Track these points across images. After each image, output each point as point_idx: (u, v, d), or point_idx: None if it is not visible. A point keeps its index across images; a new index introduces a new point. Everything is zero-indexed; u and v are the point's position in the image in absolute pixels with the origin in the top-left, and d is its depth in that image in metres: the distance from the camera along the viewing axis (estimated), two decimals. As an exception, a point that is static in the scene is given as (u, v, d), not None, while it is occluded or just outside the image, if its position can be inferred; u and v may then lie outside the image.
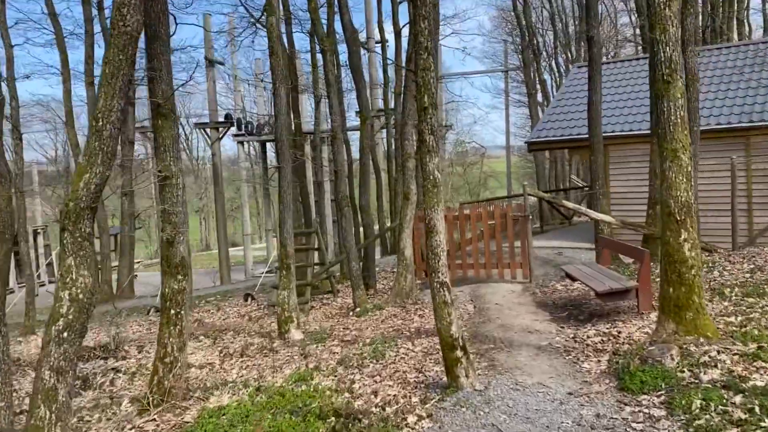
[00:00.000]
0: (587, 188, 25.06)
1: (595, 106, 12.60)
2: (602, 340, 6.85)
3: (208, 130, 29.10)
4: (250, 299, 14.54)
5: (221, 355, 9.17)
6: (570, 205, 12.78)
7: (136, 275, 24.35)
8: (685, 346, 5.44)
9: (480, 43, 65.25)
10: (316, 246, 13.12)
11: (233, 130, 29.17)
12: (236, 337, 10.40)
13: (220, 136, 28.82)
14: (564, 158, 35.24)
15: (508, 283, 11.78)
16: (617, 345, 6.50)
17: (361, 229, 14.53)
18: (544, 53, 42.39)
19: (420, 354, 7.33)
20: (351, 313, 11.54)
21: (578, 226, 20.15)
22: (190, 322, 6.92)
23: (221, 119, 28.80)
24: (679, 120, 5.63)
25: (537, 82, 37.93)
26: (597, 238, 12.08)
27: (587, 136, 14.60)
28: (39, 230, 30.55)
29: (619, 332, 6.99)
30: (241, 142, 30.49)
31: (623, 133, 14.81)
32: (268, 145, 30.39)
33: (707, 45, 19.68)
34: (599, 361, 6.03)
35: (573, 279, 9.48)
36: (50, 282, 28.58)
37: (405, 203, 11.65)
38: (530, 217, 11.98)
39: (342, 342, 8.98)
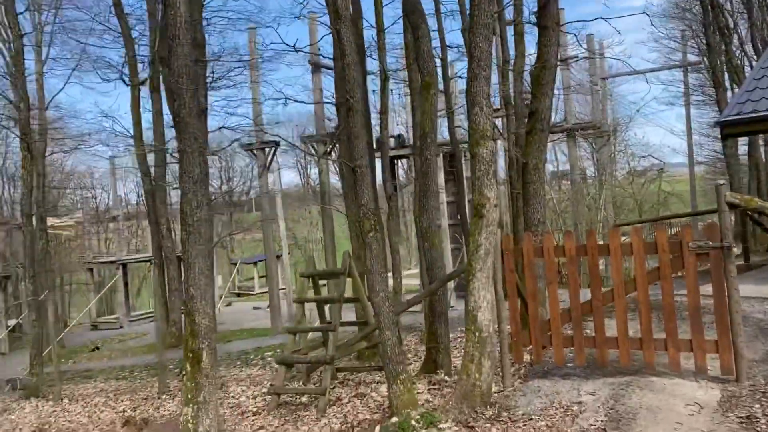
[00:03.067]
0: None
1: None
2: None
3: (315, 144, 25.36)
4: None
5: None
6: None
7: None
8: None
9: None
10: (348, 295, 8.05)
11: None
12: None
13: (328, 149, 24.95)
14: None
15: (690, 382, 5.90)
16: None
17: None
18: (736, 37, 33.57)
19: None
20: (378, 428, 6.37)
21: (809, 258, 13.02)
22: None
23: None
24: None
25: (726, 72, 29.57)
26: None
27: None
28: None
29: None
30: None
31: None
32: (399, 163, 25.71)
33: None
34: None
35: None
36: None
37: (476, 223, 6.28)
38: (733, 248, 6.00)
39: None
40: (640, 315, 6.25)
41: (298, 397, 8.06)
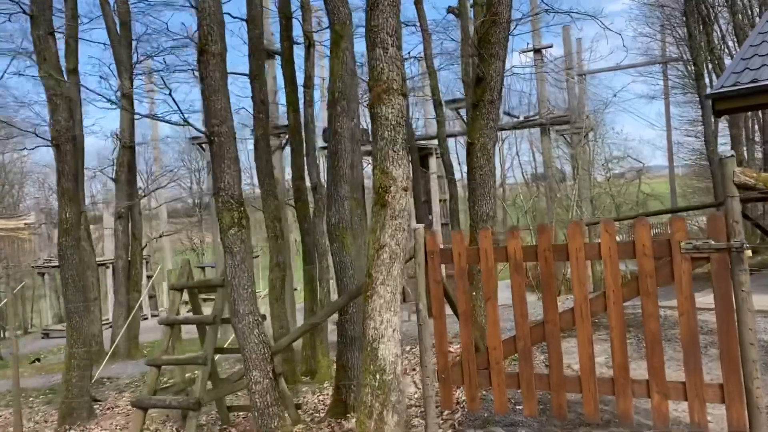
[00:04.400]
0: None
1: None
2: None
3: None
4: None
5: None
6: None
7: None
8: None
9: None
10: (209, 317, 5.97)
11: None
12: None
13: (281, 143, 23.01)
14: (755, 156, 25.29)
15: (684, 445, 4.05)
16: None
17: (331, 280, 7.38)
18: (717, 30, 31.87)
19: None
20: None
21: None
22: None
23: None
24: None
25: (707, 62, 27.91)
26: None
27: None
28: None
29: None
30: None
31: None
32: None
33: None
34: None
35: None
36: (153, 316, 24.78)
37: (378, 214, 4.35)
38: (746, 250, 4.12)
39: None
40: (612, 345, 4.38)
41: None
